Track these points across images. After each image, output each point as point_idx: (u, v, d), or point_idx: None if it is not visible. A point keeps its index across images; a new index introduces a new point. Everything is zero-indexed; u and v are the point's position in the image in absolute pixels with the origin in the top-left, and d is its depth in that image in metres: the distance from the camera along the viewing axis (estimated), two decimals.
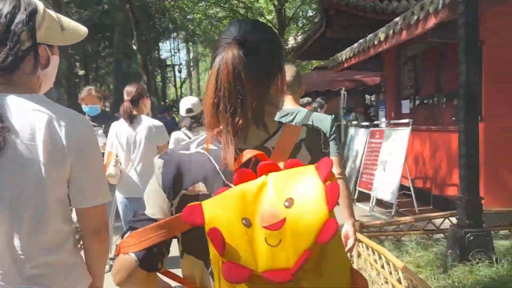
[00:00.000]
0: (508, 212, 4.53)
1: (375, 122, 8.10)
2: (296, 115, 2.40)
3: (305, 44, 14.01)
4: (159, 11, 16.66)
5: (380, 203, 6.39)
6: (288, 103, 2.44)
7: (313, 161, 0.93)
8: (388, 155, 6.12)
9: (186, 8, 18.55)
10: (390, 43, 6.10)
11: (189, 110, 3.97)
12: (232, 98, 0.90)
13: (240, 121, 0.90)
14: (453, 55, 6.61)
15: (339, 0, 10.33)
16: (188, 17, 19.28)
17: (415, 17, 5.24)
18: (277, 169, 0.86)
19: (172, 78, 26.61)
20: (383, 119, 8.41)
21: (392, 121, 6.44)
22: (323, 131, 1.09)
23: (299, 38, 16.41)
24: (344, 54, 8.14)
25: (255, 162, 0.89)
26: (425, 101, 7.20)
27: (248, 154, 0.89)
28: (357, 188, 7.11)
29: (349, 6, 10.69)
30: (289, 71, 2.37)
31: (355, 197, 7.09)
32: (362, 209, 6.43)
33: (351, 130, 8.25)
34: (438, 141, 6.40)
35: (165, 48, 60.72)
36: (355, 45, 7.54)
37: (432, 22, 4.93)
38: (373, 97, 15.78)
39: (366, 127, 7.68)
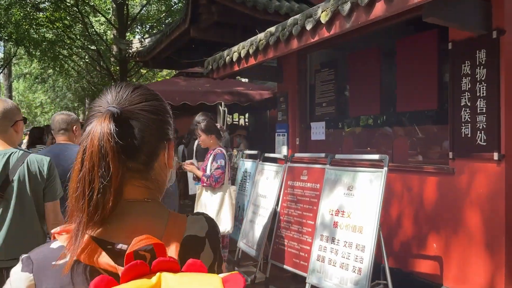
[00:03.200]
0: None
1: (275, 155, 5.61)
2: (9, 156, 2.24)
3: (158, 46, 10.98)
4: None
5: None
6: None
7: (215, 260, 0.85)
8: (341, 214, 3.61)
9: None
10: (340, 27, 3.67)
11: None
12: (93, 182, 0.75)
13: (100, 210, 0.75)
14: (416, 56, 4.17)
15: None
16: None
17: None
18: (176, 269, 0.70)
19: None
20: (284, 148, 5.99)
21: (339, 156, 3.94)
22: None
23: (147, 41, 13.26)
24: (236, 52, 5.49)
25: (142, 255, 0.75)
26: (358, 125, 5.02)
27: (143, 241, 0.70)
28: (269, 261, 4.44)
29: None
30: None
31: (266, 275, 4.41)
32: None
33: (243, 164, 5.59)
34: (394, 186, 4.19)
35: None
36: (261, 35, 4.95)
37: None
38: (235, 116, 13.53)
39: (273, 160, 5.12)
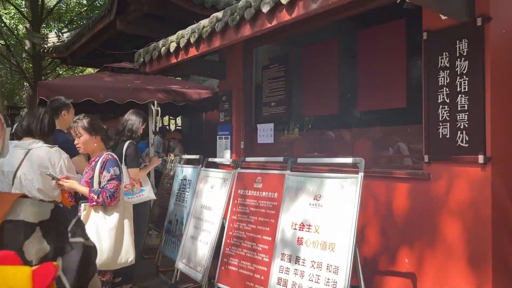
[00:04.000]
0: None
1: (209, 159, 4.96)
2: None
3: (79, 40, 9.87)
4: None
5: None
6: None
7: (54, 253, 0.71)
8: (306, 228, 3.04)
9: None
10: (305, 8, 3.12)
11: None
12: None
13: None
14: (381, 49, 3.75)
15: None
16: None
17: None
18: None
19: None
20: (227, 152, 5.37)
21: (303, 160, 3.37)
22: (76, 213, 0.79)
23: (66, 35, 11.94)
24: (173, 41, 4.78)
25: None
26: (314, 126, 4.52)
27: None
28: (216, 284, 3.75)
29: None
30: None
31: None
32: None
33: (181, 171, 4.86)
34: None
35: None
36: (204, 22, 4.30)
37: None
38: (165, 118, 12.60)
39: (216, 166, 4.46)
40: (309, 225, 3.03)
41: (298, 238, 3.08)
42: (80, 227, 0.79)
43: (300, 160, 3.34)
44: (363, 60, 3.96)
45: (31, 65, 14.38)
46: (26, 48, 14.32)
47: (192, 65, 5.40)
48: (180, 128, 9.68)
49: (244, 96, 5.29)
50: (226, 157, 5.36)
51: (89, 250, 0.78)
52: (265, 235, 3.42)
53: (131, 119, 4.22)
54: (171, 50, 4.79)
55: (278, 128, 5.00)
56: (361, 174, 2.81)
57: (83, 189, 3.09)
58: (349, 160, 2.96)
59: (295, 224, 3.13)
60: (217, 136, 5.58)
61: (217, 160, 4.51)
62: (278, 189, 3.42)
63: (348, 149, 4.84)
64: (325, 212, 2.96)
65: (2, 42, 14.44)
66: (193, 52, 4.53)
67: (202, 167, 4.41)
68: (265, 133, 5.06)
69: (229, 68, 5.50)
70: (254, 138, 5.26)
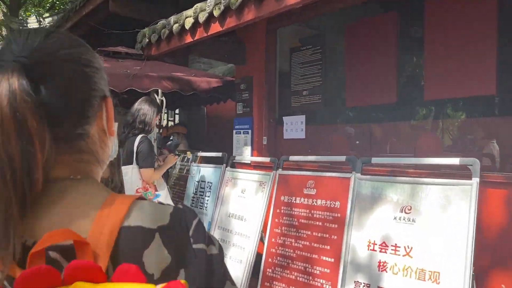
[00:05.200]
0: None
1: (237, 158, 4.21)
2: None
3: (64, 25, 8.92)
4: None
5: None
6: None
7: (177, 264, 0.57)
8: (391, 249, 2.32)
9: None
10: None
11: None
12: (13, 160, 0.53)
13: (28, 196, 0.53)
14: (458, 22, 2.94)
15: None
16: None
17: None
18: (99, 278, 0.49)
19: None
20: (246, 149, 4.62)
21: (377, 159, 2.63)
22: (195, 214, 0.62)
23: (48, 21, 10.93)
24: (190, 16, 3.99)
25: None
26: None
27: (56, 236, 0.50)
28: None
29: None
30: None
31: None
32: None
33: (198, 171, 4.08)
34: None
35: None
36: None
37: None
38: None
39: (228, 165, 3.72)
40: (396, 246, 2.31)
41: (380, 262, 2.35)
42: (201, 230, 0.61)
43: (375, 160, 2.61)
44: (432, 37, 3.25)
45: None
46: (3, 35, 13.23)
47: (207, 48, 4.61)
48: (170, 124, 8.84)
49: (268, 83, 4.53)
50: (245, 154, 4.60)
51: (212, 259, 0.60)
52: (325, 255, 2.69)
53: (143, 108, 3.43)
54: (187, 27, 4.00)
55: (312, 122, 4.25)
56: (476, 180, 2.10)
57: None
58: (455, 160, 2.24)
59: (373, 244, 2.41)
60: (234, 131, 4.81)
61: (250, 158, 3.76)
62: (340, 197, 2.69)
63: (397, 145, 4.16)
64: (420, 229, 2.24)
65: None
66: (216, 28, 3.75)
67: (227, 166, 3.65)
68: (294, 127, 4.32)
69: (250, 51, 4.73)
70: (279, 132, 4.51)
